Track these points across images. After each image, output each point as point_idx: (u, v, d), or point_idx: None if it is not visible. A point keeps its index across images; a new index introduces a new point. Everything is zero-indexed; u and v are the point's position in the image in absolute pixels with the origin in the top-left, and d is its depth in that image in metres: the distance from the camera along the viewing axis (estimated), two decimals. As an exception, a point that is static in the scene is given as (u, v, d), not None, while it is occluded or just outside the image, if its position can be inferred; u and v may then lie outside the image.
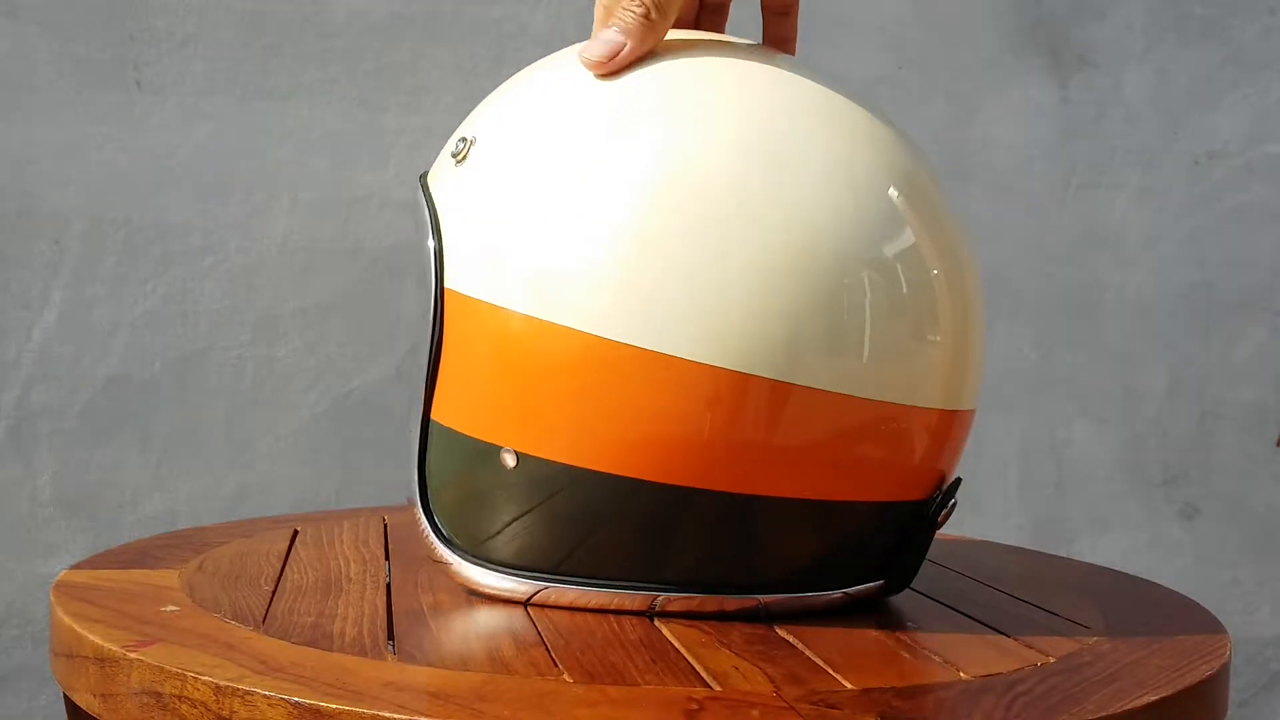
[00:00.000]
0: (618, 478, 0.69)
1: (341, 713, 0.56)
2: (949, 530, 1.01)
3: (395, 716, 0.55)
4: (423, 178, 0.79)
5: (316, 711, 0.56)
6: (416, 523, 0.76)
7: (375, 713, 0.55)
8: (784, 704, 0.58)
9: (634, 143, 0.71)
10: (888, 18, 1.44)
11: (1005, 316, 1.47)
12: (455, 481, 0.74)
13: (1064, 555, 1.00)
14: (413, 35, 1.34)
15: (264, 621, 0.69)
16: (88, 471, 1.28)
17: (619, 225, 0.69)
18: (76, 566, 0.80)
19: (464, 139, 0.76)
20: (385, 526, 0.95)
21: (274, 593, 0.75)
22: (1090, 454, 1.50)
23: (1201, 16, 1.50)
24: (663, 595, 0.72)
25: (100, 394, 1.28)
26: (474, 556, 0.74)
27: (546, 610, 0.73)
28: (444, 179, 0.77)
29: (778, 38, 0.83)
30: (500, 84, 0.81)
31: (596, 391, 0.69)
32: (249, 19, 1.30)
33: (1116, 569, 0.93)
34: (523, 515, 0.72)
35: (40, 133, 1.26)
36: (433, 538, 0.75)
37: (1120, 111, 1.49)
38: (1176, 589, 0.86)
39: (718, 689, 0.60)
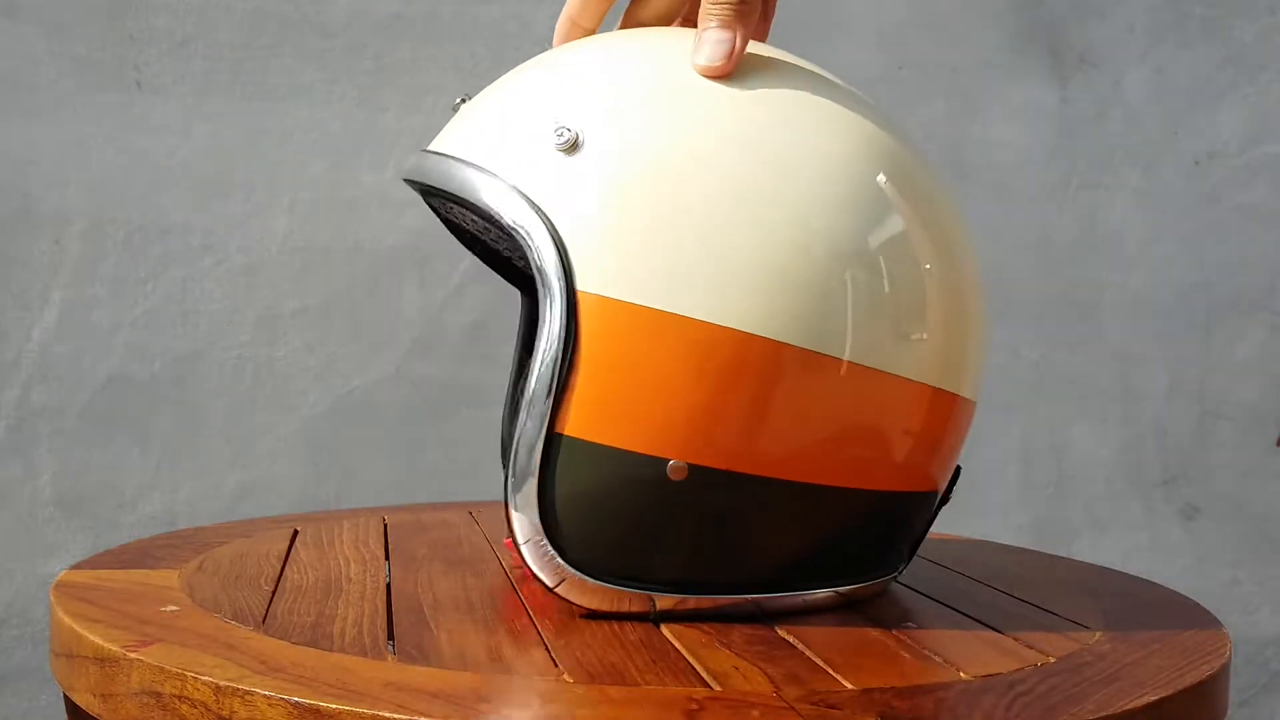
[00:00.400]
0: (778, 480, 0.69)
1: (341, 713, 0.56)
2: (949, 530, 1.01)
3: (395, 717, 0.55)
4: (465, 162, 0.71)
5: (316, 711, 0.56)
6: (518, 541, 0.70)
7: (375, 713, 0.55)
8: (784, 704, 0.58)
9: (785, 140, 0.70)
10: (887, 18, 1.44)
11: (1005, 316, 1.47)
12: (602, 499, 0.69)
13: (1064, 555, 1.00)
14: (413, 35, 1.34)
15: (264, 622, 0.69)
16: (88, 471, 1.28)
17: (784, 224, 0.69)
18: (76, 566, 0.80)
19: (566, 128, 0.69)
20: (385, 526, 0.95)
21: (274, 593, 0.75)
22: (1090, 454, 1.50)
23: (1201, 16, 1.50)
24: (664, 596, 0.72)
25: (100, 394, 1.28)
26: (615, 577, 0.70)
27: (547, 611, 0.73)
28: (540, 169, 0.69)
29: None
30: (543, 65, 0.77)
31: (780, 396, 0.69)
32: (249, 19, 1.30)
33: (1116, 569, 0.93)
34: (695, 529, 0.70)
35: (40, 133, 1.26)
36: (553, 558, 0.70)
37: (1120, 111, 1.49)
38: (1176, 589, 0.86)
39: (718, 689, 0.60)
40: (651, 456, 0.68)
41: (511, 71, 0.77)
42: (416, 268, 1.34)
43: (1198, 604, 0.82)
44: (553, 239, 0.67)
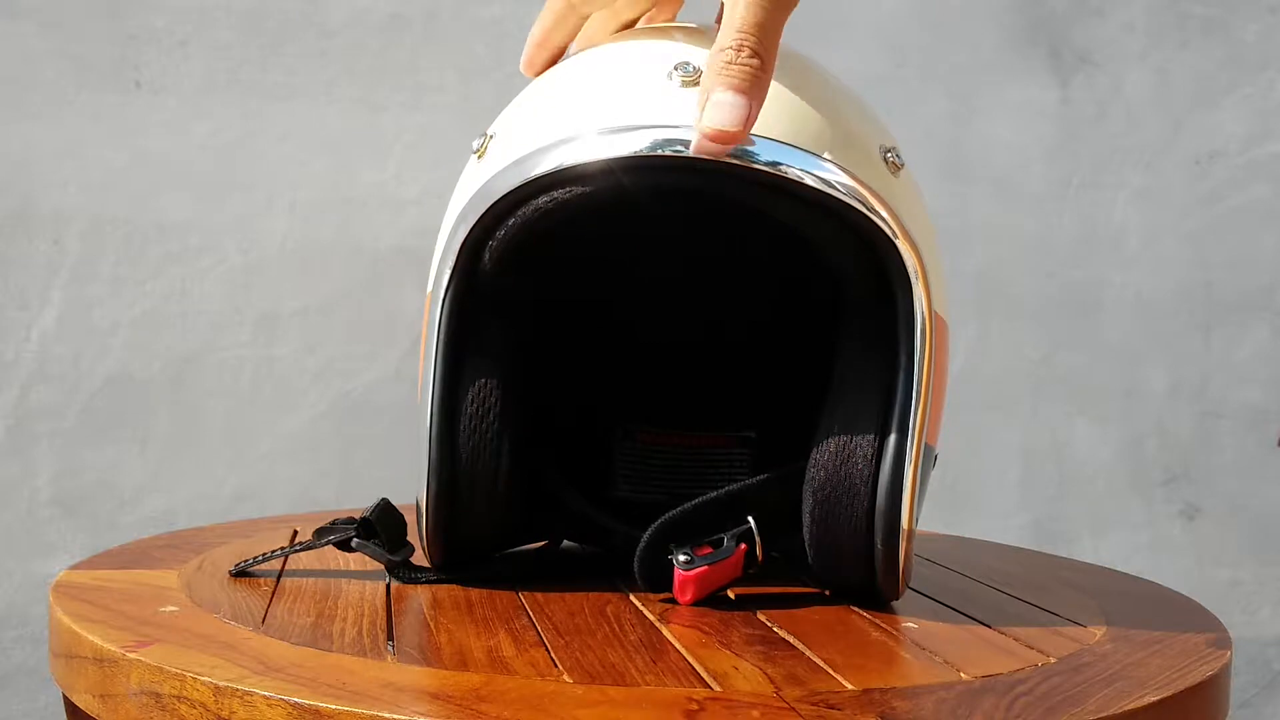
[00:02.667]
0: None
1: (341, 713, 0.56)
2: (949, 530, 1.01)
3: (395, 717, 0.55)
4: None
5: (316, 712, 0.56)
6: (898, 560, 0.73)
7: (375, 713, 0.55)
8: (784, 704, 0.58)
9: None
10: (888, 17, 1.44)
11: (1005, 316, 1.47)
12: (919, 499, 0.74)
13: (1064, 555, 0.99)
14: (413, 35, 1.34)
15: (263, 622, 0.69)
16: (87, 471, 1.28)
17: None
18: (76, 567, 0.80)
19: (897, 151, 0.74)
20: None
21: (273, 593, 0.75)
22: (1090, 454, 1.49)
23: (1201, 16, 1.49)
24: None
25: (100, 394, 1.28)
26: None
27: (547, 610, 0.73)
28: (892, 190, 0.72)
29: None
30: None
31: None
32: (248, 19, 1.30)
33: (1117, 569, 0.93)
34: None
35: (40, 133, 1.26)
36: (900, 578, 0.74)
37: (1120, 111, 1.49)
38: (1177, 589, 0.86)
39: (718, 689, 0.60)
40: (936, 452, 0.76)
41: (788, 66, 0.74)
42: (416, 268, 1.34)
43: (1198, 604, 0.82)
44: (919, 256, 0.71)
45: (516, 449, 0.75)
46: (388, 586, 0.77)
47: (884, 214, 0.69)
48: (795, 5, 0.69)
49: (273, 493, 1.31)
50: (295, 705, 0.57)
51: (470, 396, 0.76)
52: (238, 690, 0.58)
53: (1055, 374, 1.49)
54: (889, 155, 0.73)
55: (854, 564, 0.73)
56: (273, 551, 0.80)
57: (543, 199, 0.71)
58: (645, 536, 0.75)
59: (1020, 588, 0.83)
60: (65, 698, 0.71)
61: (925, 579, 0.84)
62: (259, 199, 1.31)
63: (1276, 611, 1.53)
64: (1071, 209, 1.49)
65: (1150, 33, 1.49)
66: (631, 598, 0.76)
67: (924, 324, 0.71)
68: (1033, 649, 0.69)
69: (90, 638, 0.65)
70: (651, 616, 0.72)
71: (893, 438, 0.71)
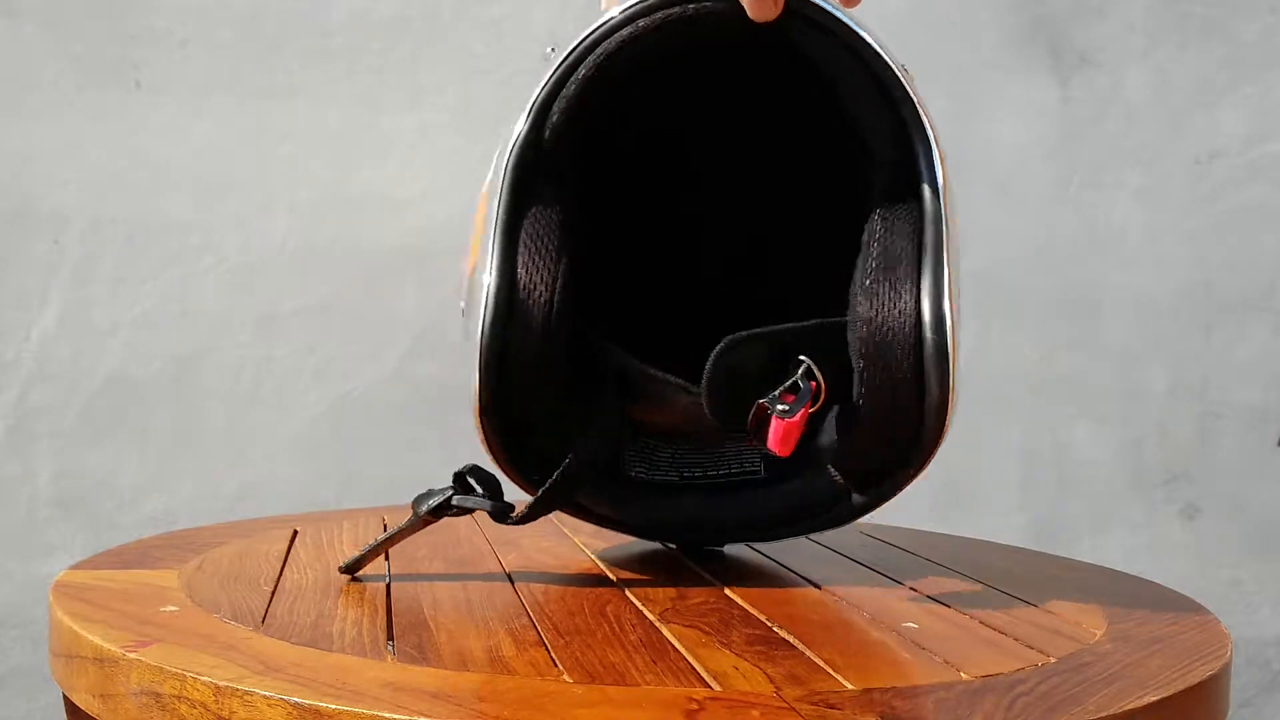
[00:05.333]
0: None
1: (341, 713, 0.56)
2: (950, 530, 1.01)
3: (395, 717, 0.55)
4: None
5: (316, 712, 0.56)
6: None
7: (375, 713, 0.55)
8: (784, 704, 0.58)
9: None
10: (887, 18, 1.44)
11: (1005, 316, 1.47)
12: None
13: (1064, 555, 0.99)
14: (413, 35, 1.34)
15: (263, 622, 0.69)
16: (87, 471, 1.28)
17: None
18: (76, 566, 0.80)
19: (902, 63, 0.88)
20: (385, 526, 0.95)
21: (273, 593, 0.75)
22: (1090, 454, 1.49)
23: (1201, 16, 1.49)
24: None
25: (99, 394, 1.28)
26: None
27: (547, 611, 0.73)
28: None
29: None
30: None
31: None
32: (248, 18, 1.30)
33: (1117, 569, 0.93)
34: None
35: (40, 132, 1.26)
36: None
37: (1120, 111, 1.49)
38: (1177, 589, 0.86)
39: (718, 689, 0.60)
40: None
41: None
42: (416, 268, 1.34)
43: (1199, 604, 0.82)
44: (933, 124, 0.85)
45: (569, 281, 0.77)
46: (388, 586, 0.77)
47: (905, 77, 0.85)
48: None
49: (273, 493, 1.31)
50: (295, 705, 0.57)
51: (530, 220, 0.78)
52: (238, 690, 0.58)
53: (1055, 374, 1.49)
54: (903, 66, 0.86)
55: (906, 393, 0.75)
56: (377, 540, 0.80)
57: (605, 44, 0.79)
58: (711, 358, 0.77)
59: (1020, 588, 0.83)
60: (65, 697, 0.71)
61: (925, 579, 0.84)
62: (259, 199, 1.31)
63: (1276, 611, 1.53)
64: (1071, 209, 1.49)
65: (1150, 33, 1.49)
66: (631, 598, 0.76)
67: (944, 174, 0.81)
68: (1033, 649, 0.69)
69: (90, 637, 0.65)
70: (651, 616, 0.72)
71: (928, 273, 0.76)
